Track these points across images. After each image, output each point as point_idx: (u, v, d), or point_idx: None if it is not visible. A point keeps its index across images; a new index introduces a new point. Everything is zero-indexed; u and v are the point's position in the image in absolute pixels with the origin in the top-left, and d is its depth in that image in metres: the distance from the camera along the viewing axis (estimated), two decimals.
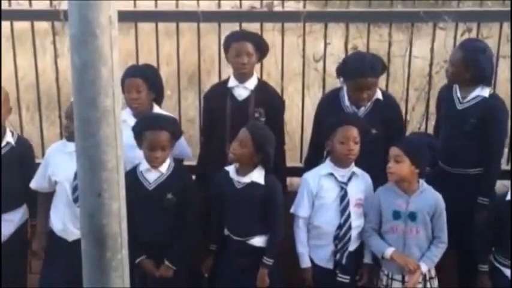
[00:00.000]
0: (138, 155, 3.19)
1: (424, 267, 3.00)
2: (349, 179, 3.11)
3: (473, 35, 3.86)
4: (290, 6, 4.90)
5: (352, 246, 3.13)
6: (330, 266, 3.14)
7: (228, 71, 4.24)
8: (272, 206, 3.10)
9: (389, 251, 3.00)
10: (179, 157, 3.59)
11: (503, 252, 3.10)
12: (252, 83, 3.41)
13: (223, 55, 3.54)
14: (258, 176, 3.09)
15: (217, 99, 3.44)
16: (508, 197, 3.07)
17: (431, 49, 3.75)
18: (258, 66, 3.65)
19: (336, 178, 3.11)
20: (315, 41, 4.33)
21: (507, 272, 3.09)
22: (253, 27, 3.80)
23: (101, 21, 1.52)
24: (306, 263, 3.16)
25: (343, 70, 3.24)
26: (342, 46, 3.84)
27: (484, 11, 3.77)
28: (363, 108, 3.28)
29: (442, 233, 3.02)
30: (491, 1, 3.96)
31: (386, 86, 3.86)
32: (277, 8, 3.78)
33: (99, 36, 1.52)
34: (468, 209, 3.27)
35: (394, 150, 3.01)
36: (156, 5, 3.77)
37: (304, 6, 3.82)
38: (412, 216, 2.99)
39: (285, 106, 3.56)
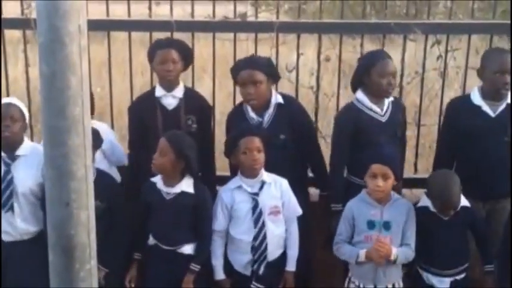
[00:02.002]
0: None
1: (394, 251, 2.97)
2: (261, 188, 3.12)
3: (442, 47, 3.94)
4: (263, 17, 4.94)
5: (272, 256, 3.14)
6: (248, 273, 3.16)
7: (200, 81, 4.27)
8: (202, 214, 3.12)
9: (362, 252, 3.00)
10: (119, 164, 3.57)
11: (423, 258, 3.15)
12: (179, 91, 3.41)
13: (196, 64, 3.54)
14: (187, 185, 3.10)
15: (146, 110, 3.39)
16: (420, 204, 3.17)
17: (402, 60, 3.80)
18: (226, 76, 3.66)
19: (246, 190, 3.12)
20: (288, 51, 4.37)
21: (427, 277, 3.15)
22: (226, 37, 3.82)
23: (70, 29, 1.51)
24: (219, 275, 3.19)
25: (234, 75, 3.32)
26: (315, 57, 3.87)
27: (453, 24, 3.84)
28: (266, 116, 3.30)
29: (411, 241, 3.04)
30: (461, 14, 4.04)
31: None
32: (251, 19, 3.81)
33: (68, 44, 1.51)
34: None
35: (381, 169, 3.00)
36: (129, 14, 3.76)
37: (278, 17, 3.85)
38: (387, 226, 3.02)
39: (212, 112, 3.57)
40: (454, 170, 3.38)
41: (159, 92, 3.42)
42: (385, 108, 3.33)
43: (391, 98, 3.38)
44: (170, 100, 3.40)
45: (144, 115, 3.42)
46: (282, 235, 3.18)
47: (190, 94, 3.46)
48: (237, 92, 3.74)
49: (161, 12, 4.08)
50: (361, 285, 3.08)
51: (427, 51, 3.83)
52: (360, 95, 3.34)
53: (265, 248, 3.11)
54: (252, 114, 3.32)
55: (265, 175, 3.14)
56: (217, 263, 3.19)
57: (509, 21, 4.32)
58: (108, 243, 3.11)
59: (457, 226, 3.11)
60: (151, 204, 3.16)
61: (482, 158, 3.27)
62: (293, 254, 3.21)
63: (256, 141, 3.07)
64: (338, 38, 3.84)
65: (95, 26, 3.63)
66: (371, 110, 3.31)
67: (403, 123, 3.49)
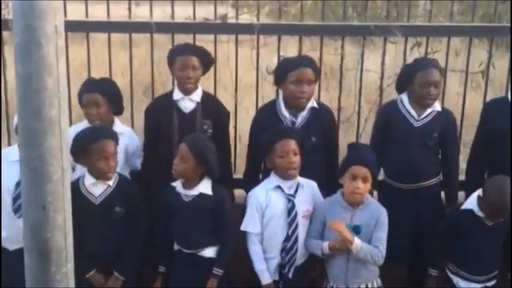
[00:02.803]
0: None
1: (357, 242, 2.94)
2: (296, 190, 3.12)
3: (422, 49, 3.96)
4: (244, 19, 4.93)
5: (300, 260, 3.13)
6: (276, 277, 3.13)
7: None
8: (221, 215, 3.10)
9: (325, 244, 3.00)
10: (135, 168, 3.55)
11: (456, 261, 3.16)
12: (197, 95, 3.40)
13: None
14: (205, 187, 3.09)
15: (162, 113, 3.38)
16: (464, 206, 3.14)
17: (382, 62, 3.82)
18: (210, 78, 3.65)
19: (282, 190, 3.11)
20: (269, 53, 4.37)
21: (457, 281, 3.15)
22: (207, 38, 3.81)
23: (47, 30, 1.49)
24: (266, 279, 3.13)
25: (281, 69, 3.31)
26: None
27: (432, 26, 3.87)
28: (300, 117, 3.30)
29: (380, 243, 3.00)
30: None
31: (339, 98, 3.92)
32: (232, 20, 3.80)
33: (44, 45, 1.50)
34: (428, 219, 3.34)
35: (362, 171, 2.97)
36: (108, 16, 3.73)
37: (258, 19, 3.85)
38: (357, 230, 3.00)
39: (229, 117, 3.57)
40: (488, 173, 3.39)
41: (177, 95, 3.40)
42: (423, 114, 3.32)
43: (439, 108, 3.35)
44: (187, 103, 3.39)
45: (161, 117, 3.41)
46: None
47: (207, 98, 3.45)
48: (219, 94, 3.73)
49: (141, 13, 4.05)
50: (335, 286, 3.08)
51: (407, 53, 3.85)
52: (404, 95, 3.39)
53: (296, 250, 3.10)
54: (285, 113, 3.30)
55: (299, 178, 3.14)
56: (262, 267, 3.12)
57: (487, 24, 4.39)
58: (125, 250, 3.13)
59: (499, 233, 3.10)
60: (171, 209, 3.14)
61: None
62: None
63: (293, 144, 3.06)
64: (319, 40, 3.84)
65: (73, 27, 3.62)
66: (407, 111, 3.33)
67: (450, 138, 3.38)
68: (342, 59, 3.86)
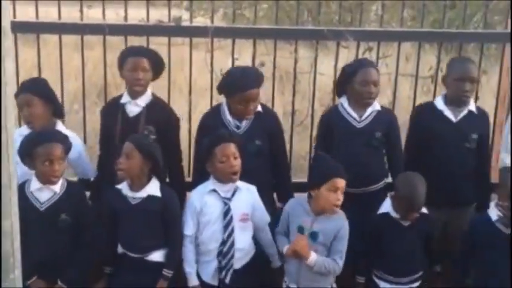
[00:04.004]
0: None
1: (313, 257, 2.97)
2: (233, 194, 3.11)
3: (373, 53, 4.04)
4: (199, 22, 4.93)
5: (238, 264, 3.11)
6: (215, 282, 3.13)
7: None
8: (170, 217, 3.08)
9: (285, 248, 3.04)
10: (83, 177, 3.49)
11: (380, 266, 3.21)
12: (144, 99, 3.36)
13: None
14: (153, 188, 3.06)
15: (110, 115, 3.37)
16: (380, 210, 3.21)
17: (335, 66, 3.88)
18: (164, 80, 3.63)
19: (219, 194, 3.10)
20: (224, 56, 4.38)
21: (384, 286, 3.20)
22: (161, 41, 3.80)
23: None
24: (193, 282, 3.13)
25: (227, 86, 3.26)
26: (250, 62, 3.89)
27: (383, 31, 3.95)
28: (245, 121, 3.31)
29: (338, 257, 3.02)
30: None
31: (293, 102, 3.96)
32: (186, 23, 3.79)
33: None
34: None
35: (343, 183, 2.95)
36: (59, 17, 3.68)
37: (212, 22, 3.86)
38: (314, 236, 3.01)
39: (179, 123, 3.53)
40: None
41: (125, 98, 3.37)
42: (364, 115, 3.37)
43: (379, 108, 3.40)
44: (133, 107, 3.35)
45: (108, 120, 3.38)
46: (249, 243, 3.16)
47: (155, 104, 3.40)
48: (173, 97, 3.72)
49: (95, 15, 4.00)
50: (289, 284, 3.11)
51: (359, 57, 3.91)
52: (343, 99, 3.42)
53: (233, 255, 3.08)
54: (229, 117, 3.30)
55: (238, 181, 3.12)
56: (191, 269, 3.12)
57: (436, 30, 4.51)
58: (72, 260, 3.05)
59: (415, 233, 3.15)
60: (117, 212, 3.07)
61: (443, 164, 3.33)
62: (273, 252, 3.21)
63: (232, 148, 3.05)
64: (274, 44, 3.87)
65: (23, 28, 3.56)
66: (348, 114, 3.37)
67: (394, 138, 3.43)
68: (296, 62, 3.90)
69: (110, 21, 3.65)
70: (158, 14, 3.86)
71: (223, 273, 3.09)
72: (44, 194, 3.03)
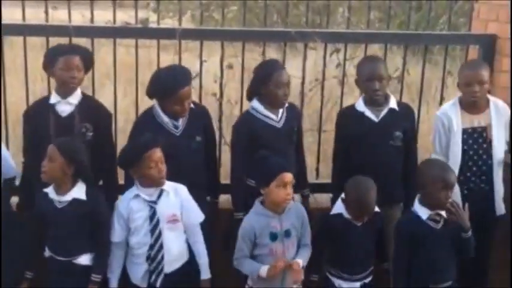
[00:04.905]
0: None
1: (301, 262, 3.04)
2: (159, 196, 3.09)
3: (341, 55, 4.07)
4: (167, 23, 4.91)
5: (170, 267, 3.09)
6: (145, 286, 3.11)
7: (104, 88, 4.16)
8: (97, 221, 3.07)
9: (264, 269, 2.99)
10: (5, 176, 3.37)
11: (335, 264, 3.25)
12: (75, 97, 3.32)
13: (99, 70, 3.45)
14: (78, 192, 3.04)
15: (39, 117, 3.29)
16: (333, 211, 3.25)
17: (303, 68, 3.91)
18: (132, 82, 3.60)
19: (143, 198, 3.08)
20: (193, 58, 4.36)
21: (339, 283, 3.24)
22: (130, 43, 3.77)
23: None
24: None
25: (157, 87, 3.24)
26: (218, 64, 3.89)
27: (350, 33, 3.99)
28: (181, 120, 3.30)
29: (308, 240, 3.12)
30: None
31: None
32: (153, 25, 3.78)
33: None
34: None
35: (290, 177, 2.98)
36: (23, 18, 3.63)
37: (180, 24, 3.85)
38: (287, 234, 3.05)
39: (112, 119, 3.51)
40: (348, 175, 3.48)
41: (54, 98, 3.32)
42: (280, 114, 3.41)
43: (286, 104, 3.45)
44: (64, 107, 3.30)
45: (38, 122, 3.31)
46: (181, 245, 3.14)
47: (87, 101, 3.37)
48: (142, 100, 3.69)
49: (60, 17, 3.95)
50: None
51: (326, 59, 3.95)
52: (256, 103, 3.40)
53: (162, 258, 3.06)
54: (164, 118, 3.27)
55: (165, 183, 3.11)
56: (112, 276, 3.12)
57: (402, 32, 4.57)
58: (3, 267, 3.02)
59: (369, 231, 3.20)
60: (44, 216, 3.06)
61: (370, 164, 3.36)
62: (204, 262, 3.18)
63: (159, 152, 3.03)
64: (247, 46, 3.87)
65: None
66: (267, 117, 3.38)
67: (298, 129, 3.56)
68: None
69: (75, 23, 3.61)
70: (125, 16, 3.84)
71: (153, 277, 3.08)
72: None
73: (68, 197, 3.02)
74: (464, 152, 3.48)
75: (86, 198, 3.03)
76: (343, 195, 3.20)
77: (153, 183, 3.05)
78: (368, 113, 3.44)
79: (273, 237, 3.02)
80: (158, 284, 3.08)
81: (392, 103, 3.47)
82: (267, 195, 3.02)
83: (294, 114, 3.50)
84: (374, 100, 3.42)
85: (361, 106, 3.46)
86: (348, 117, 3.53)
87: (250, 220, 3.07)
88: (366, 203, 3.11)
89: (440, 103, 4.02)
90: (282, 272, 3.01)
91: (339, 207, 3.22)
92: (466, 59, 4.04)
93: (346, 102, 3.91)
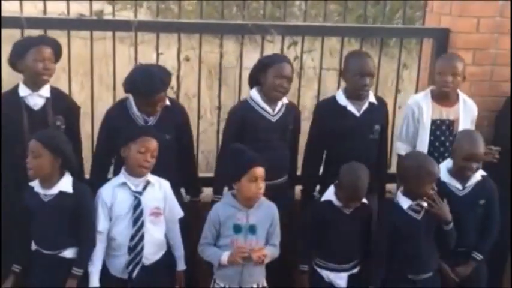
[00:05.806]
0: None
1: (268, 254, 3.03)
2: (144, 188, 3.10)
3: (298, 47, 4.09)
4: (122, 15, 4.85)
5: (148, 260, 3.10)
6: (125, 276, 3.10)
7: (59, 81, 4.06)
8: (82, 214, 3.04)
9: (225, 255, 3.00)
10: None
11: (322, 254, 3.28)
12: (46, 90, 3.26)
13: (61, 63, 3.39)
14: (65, 184, 3.01)
15: (10, 112, 3.20)
16: (324, 198, 3.28)
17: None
18: (87, 76, 3.54)
19: (129, 188, 3.08)
20: (149, 50, 4.32)
21: (326, 274, 3.27)
22: (84, 35, 3.70)
23: None
24: (93, 283, 3.07)
25: (132, 88, 3.21)
26: (175, 56, 3.86)
27: (307, 26, 4.02)
28: (152, 116, 3.28)
29: (277, 241, 3.12)
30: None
31: (219, 96, 3.96)
32: (108, 17, 3.72)
33: None
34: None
35: (262, 171, 2.98)
36: None
37: (136, 16, 3.80)
38: (252, 229, 3.04)
39: (80, 112, 3.46)
40: (322, 170, 3.58)
41: (24, 91, 3.23)
42: (276, 109, 3.41)
43: (286, 101, 3.45)
44: (36, 99, 3.23)
45: (9, 117, 3.21)
46: (161, 238, 3.14)
47: (57, 93, 3.31)
48: (97, 92, 3.64)
49: (12, 8, 3.85)
50: (227, 287, 3.08)
51: (284, 52, 3.95)
52: (254, 93, 3.42)
53: (141, 249, 3.05)
54: (137, 112, 3.24)
55: (149, 175, 3.10)
56: (93, 269, 3.07)
57: (358, 25, 4.62)
58: None
59: (357, 220, 3.23)
60: (30, 210, 3.01)
61: (350, 157, 3.37)
62: (180, 254, 3.22)
63: (155, 144, 3.04)
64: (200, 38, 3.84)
65: None
66: (262, 108, 3.39)
67: (295, 129, 3.55)
68: (221, 56, 3.90)
69: (28, 15, 3.52)
70: (79, 8, 3.77)
71: (131, 267, 3.06)
72: None
73: (55, 190, 2.99)
74: (430, 142, 3.56)
75: (72, 191, 2.99)
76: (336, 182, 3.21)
77: (133, 170, 3.04)
78: (350, 107, 3.46)
79: (237, 229, 3.03)
80: (135, 274, 3.06)
81: (371, 97, 3.51)
82: (239, 190, 3.02)
83: (293, 114, 3.50)
84: (359, 95, 3.45)
85: (342, 100, 3.48)
86: (328, 110, 3.53)
87: (217, 208, 3.10)
88: (357, 186, 3.15)
89: (396, 95, 4.09)
90: (242, 266, 3.00)
91: (329, 195, 3.25)
92: (421, 52, 4.11)
93: (304, 96, 3.94)
